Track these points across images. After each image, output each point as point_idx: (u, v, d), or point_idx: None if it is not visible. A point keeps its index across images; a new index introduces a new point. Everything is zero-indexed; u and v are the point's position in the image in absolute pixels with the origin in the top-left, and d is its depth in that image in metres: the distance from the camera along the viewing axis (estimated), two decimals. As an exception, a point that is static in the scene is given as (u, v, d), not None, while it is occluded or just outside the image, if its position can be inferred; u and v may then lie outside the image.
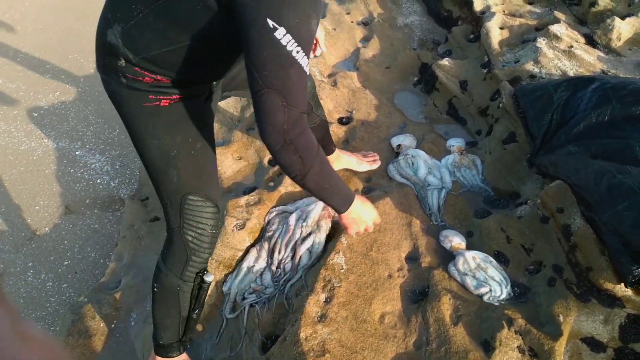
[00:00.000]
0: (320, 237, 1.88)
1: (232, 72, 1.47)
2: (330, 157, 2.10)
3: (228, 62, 1.28)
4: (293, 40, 1.00)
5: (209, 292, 1.62)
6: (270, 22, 0.97)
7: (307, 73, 1.08)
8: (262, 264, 1.87)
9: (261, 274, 1.85)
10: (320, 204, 1.95)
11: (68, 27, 3.64)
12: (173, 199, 1.32)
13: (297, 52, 1.02)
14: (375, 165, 2.23)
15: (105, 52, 1.20)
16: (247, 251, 1.93)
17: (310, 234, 1.89)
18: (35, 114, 2.92)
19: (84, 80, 3.17)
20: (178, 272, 1.38)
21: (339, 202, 1.38)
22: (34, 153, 2.70)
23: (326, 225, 1.92)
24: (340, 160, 2.14)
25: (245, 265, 1.87)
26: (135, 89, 1.22)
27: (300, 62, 1.04)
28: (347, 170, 2.21)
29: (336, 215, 1.56)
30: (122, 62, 1.18)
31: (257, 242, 1.96)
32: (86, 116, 2.92)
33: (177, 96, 1.25)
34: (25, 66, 3.25)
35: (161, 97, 1.23)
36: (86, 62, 3.32)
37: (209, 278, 1.43)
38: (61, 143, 2.76)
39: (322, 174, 1.25)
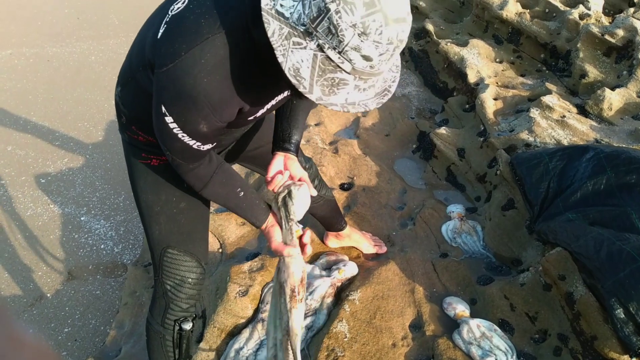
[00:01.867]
0: (321, 317, 1.86)
1: (243, 145, 1.60)
2: (342, 233, 2.13)
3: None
4: (180, 130, 1.08)
5: (192, 344, 1.63)
6: (163, 109, 1.06)
7: (200, 149, 1.15)
8: (252, 345, 1.79)
9: (255, 355, 1.78)
10: (328, 280, 1.95)
11: (78, 96, 3.78)
12: (155, 250, 1.41)
13: (183, 136, 1.10)
14: (381, 252, 2.22)
15: (116, 111, 1.36)
16: (239, 331, 1.89)
17: (314, 311, 1.87)
18: (43, 180, 2.98)
19: (92, 148, 3.26)
20: (159, 320, 1.44)
21: (252, 216, 1.34)
22: (39, 219, 2.73)
23: (330, 304, 1.91)
24: (351, 238, 2.17)
25: (233, 348, 1.79)
26: (133, 146, 1.36)
27: (187, 142, 1.11)
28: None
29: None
30: (123, 120, 1.33)
31: (250, 322, 1.92)
32: (93, 182, 2.99)
33: (165, 157, 1.32)
34: (35, 134, 3.36)
35: (152, 156, 1.35)
36: (95, 130, 3.42)
37: (186, 325, 1.46)
38: (67, 209, 2.80)
39: (222, 188, 1.28)
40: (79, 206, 2.82)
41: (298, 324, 1.25)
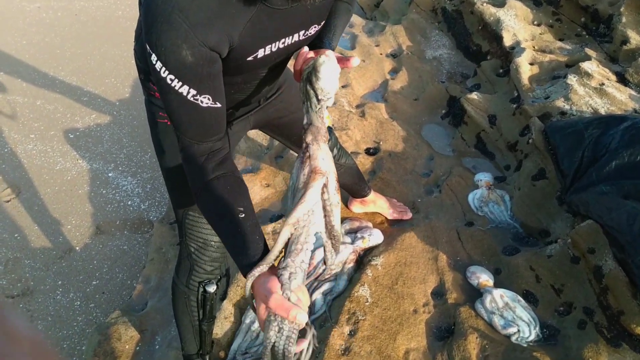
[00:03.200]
0: (341, 283, 1.86)
1: (268, 113, 1.53)
2: (367, 199, 2.12)
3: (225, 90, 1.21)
4: (165, 69, 0.94)
5: (216, 304, 1.63)
6: (147, 47, 0.94)
7: (198, 103, 1.01)
8: None
9: None
10: (350, 247, 1.94)
11: (105, 52, 3.78)
12: (178, 212, 1.40)
13: (171, 80, 0.96)
14: (406, 217, 2.20)
15: (136, 67, 1.33)
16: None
17: (334, 276, 1.87)
18: (72, 136, 3.02)
19: (119, 104, 3.27)
20: (184, 281, 1.45)
21: (240, 261, 1.03)
22: (68, 173, 2.78)
23: (351, 270, 1.91)
24: (376, 203, 2.16)
25: (248, 320, 1.80)
26: (152, 104, 1.32)
27: (180, 91, 0.97)
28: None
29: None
30: (141, 76, 1.30)
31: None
32: (120, 139, 3.01)
33: None
34: (63, 89, 3.38)
35: None
36: (122, 87, 3.43)
37: (210, 288, 1.46)
38: (95, 164, 2.84)
39: (209, 208, 1.09)
40: (107, 162, 2.86)
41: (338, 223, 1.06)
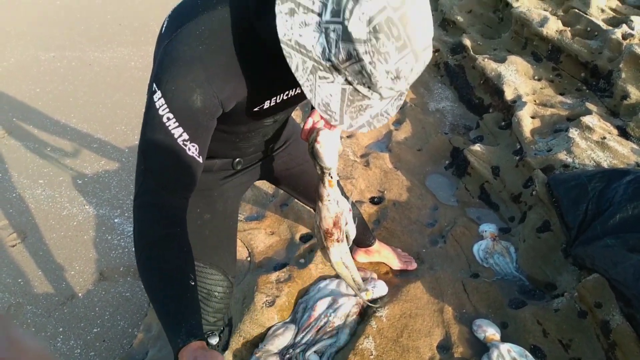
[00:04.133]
0: (343, 336, 1.83)
1: (275, 164, 1.58)
2: (371, 249, 2.11)
3: (229, 142, 1.29)
4: (165, 106, 0.95)
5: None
6: (154, 85, 0.96)
7: (185, 149, 0.99)
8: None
9: None
10: (353, 300, 1.93)
11: (116, 100, 3.88)
12: None
13: (168, 119, 0.95)
14: (411, 268, 2.19)
15: None
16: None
17: (336, 330, 1.85)
18: (80, 181, 3.06)
19: (128, 151, 3.33)
20: None
21: (172, 332, 0.96)
22: (74, 219, 2.80)
23: (353, 323, 1.89)
24: (381, 253, 2.15)
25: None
26: None
27: (172, 132, 0.96)
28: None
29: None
30: None
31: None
32: (127, 185, 3.05)
33: None
34: (74, 136, 3.45)
35: None
36: (132, 134, 3.50)
37: (213, 340, 1.40)
38: (101, 210, 2.86)
39: (149, 275, 1.02)
40: (113, 208, 2.88)
41: (337, 257, 1.35)
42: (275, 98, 1.14)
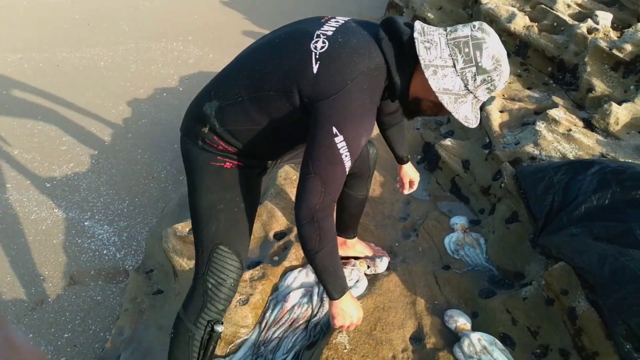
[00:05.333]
0: (315, 330, 1.85)
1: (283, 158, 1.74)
2: (349, 242, 2.14)
3: (288, 148, 1.57)
4: (346, 147, 1.29)
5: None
6: (335, 130, 1.27)
7: (347, 172, 1.36)
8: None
9: None
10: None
11: (86, 102, 3.81)
12: (206, 246, 1.48)
13: (346, 156, 1.31)
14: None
15: (195, 119, 1.48)
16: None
17: (311, 325, 1.86)
18: (48, 185, 3.00)
19: (98, 153, 3.28)
20: (192, 318, 1.49)
21: (335, 288, 1.51)
22: (43, 223, 2.74)
23: (326, 320, 1.89)
24: (355, 249, 2.17)
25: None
26: (208, 151, 1.47)
27: (345, 165, 1.33)
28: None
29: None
30: (206, 129, 1.44)
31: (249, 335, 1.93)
32: (97, 187, 3.00)
33: (239, 163, 1.49)
34: (42, 138, 3.38)
35: (227, 160, 1.48)
36: (101, 136, 3.44)
37: (218, 328, 1.50)
38: (71, 213, 2.81)
39: (331, 257, 1.44)
40: (83, 211, 2.84)
41: None
42: None
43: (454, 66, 1.30)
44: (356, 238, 2.16)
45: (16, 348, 0.40)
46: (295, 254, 2.16)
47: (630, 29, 3.25)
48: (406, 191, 2.10)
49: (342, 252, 2.17)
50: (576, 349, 1.67)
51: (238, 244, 1.51)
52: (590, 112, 2.88)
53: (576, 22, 3.36)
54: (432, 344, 1.80)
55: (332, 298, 1.52)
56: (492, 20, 3.57)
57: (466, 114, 1.35)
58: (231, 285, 1.49)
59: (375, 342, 1.79)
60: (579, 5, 3.73)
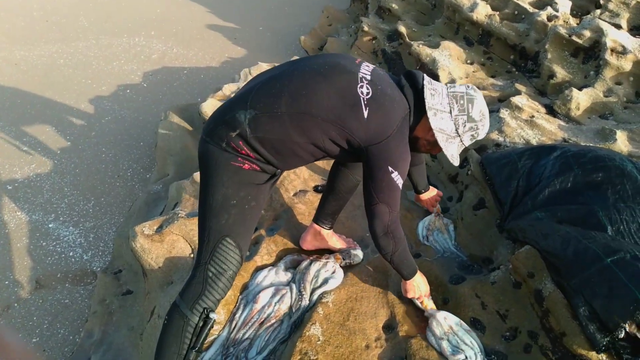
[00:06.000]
0: (285, 328, 1.85)
1: None
2: (323, 233, 2.14)
3: (306, 163, 1.72)
4: (399, 177, 1.61)
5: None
6: (390, 168, 1.58)
7: (400, 192, 1.68)
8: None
9: None
10: (295, 288, 1.96)
11: (46, 100, 3.70)
12: (213, 236, 1.58)
13: (399, 183, 1.62)
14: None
15: (224, 123, 1.57)
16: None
17: (278, 323, 1.86)
18: (10, 187, 2.90)
19: (60, 153, 3.19)
20: (189, 304, 1.56)
21: (410, 272, 1.83)
22: (6, 227, 2.66)
23: (299, 316, 1.90)
24: (331, 240, 2.17)
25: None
26: (230, 152, 1.57)
27: (400, 187, 1.64)
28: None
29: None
30: (234, 134, 1.54)
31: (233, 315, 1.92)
32: (61, 188, 2.92)
33: (256, 167, 1.61)
34: (1, 139, 3.27)
35: (246, 161, 1.59)
36: (63, 135, 3.35)
37: (213, 315, 1.57)
38: (34, 216, 2.73)
39: (405, 253, 1.77)
40: (47, 213, 2.76)
41: None
42: None
43: (450, 112, 1.63)
44: (331, 231, 2.16)
45: (9, 350, 0.40)
46: (267, 248, 2.15)
47: (589, 16, 3.33)
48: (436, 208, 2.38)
49: (316, 245, 2.17)
50: (544, 330, 1.72)
51: (242, 239, 1.63)
52: (552, 98, 2.94)
53: (536, 10, 3.43)
54: (404, 331, 1.82)
55: (406, 279, 1.86)
56: (455, 9, 3.61)
57: (452, 153, 1.68)
58: (230, 277, 1.60)
59: (348, 332, 1.80)
60: (539, -7, 3.79)
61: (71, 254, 2.53)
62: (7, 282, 2.38)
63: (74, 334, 2.16)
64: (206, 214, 1.61)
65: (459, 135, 1.65)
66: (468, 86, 1.67)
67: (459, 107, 1.64)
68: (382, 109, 1.56)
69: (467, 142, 1.69)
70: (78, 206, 2.81)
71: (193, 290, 1.58)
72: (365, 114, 1.53)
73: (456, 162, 1.69)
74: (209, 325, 1.58)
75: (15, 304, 2.28)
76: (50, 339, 2.15)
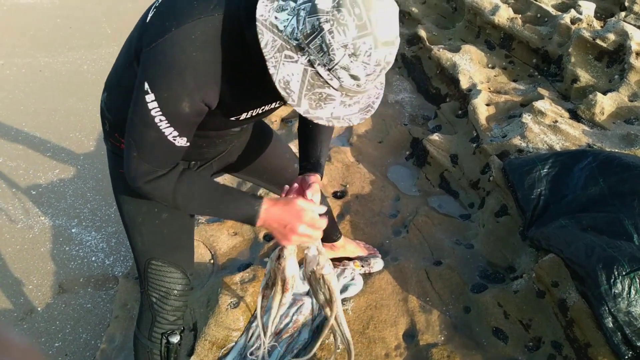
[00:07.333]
0: (307, 334, 1.83)
1: (232, 157, 1.58)
2: (337, 244, 2.09)
3: (196, 143, 1.27)
4: (158, 109, 1.02)
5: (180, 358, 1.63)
6: (146, 85, 1.02)
7: (174, 142, 1.09)
8: None
9: None
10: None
11: (70, 106, 3.77)
12: (139, 262, 1.41)
13: (160, 120, 1.04)
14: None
15: (101, 118, 1.36)
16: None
17: (297, 332, 1.84)
18: (34, 192, 2.96)
19: (83, 158, 3.24)
20: (146, 333, 1.45)
21: (240, 216, 1.23)
22: (30, 231, 2.71)
23: (317, 324, 1.87)
24: (346, 249, 2.13)
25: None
26: (116, 154, 1.34)
27: (163, 130, 1.05)
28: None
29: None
30: (107, 127, 1.33)
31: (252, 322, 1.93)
32: (84, 193, 2.97)
33: None
34: (26, 145, 3.34)
35: None
36: (86, 141, 3.41)
37: (173, 339, 1.47)
38: (58, 221, 2.78)
39: (191, 202, 1.21)
40: (70, 218, 2.80)
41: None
42: (252, 110, 1.21)
43: (296, 0, 0.93)
44: (343, 238, 2.12)
45: (5, 345, 0.39)
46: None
47: (613, 19, 3.26)
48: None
49: (335, 254, 2.15)
50: (568, 340, 1.68)
51: (171, 254, 1.41)
52: (575, 102, 2.89)
53: (559, 13, 3.37)
54: (425, 340, 1.80)
55: (252, 223, 1.21)
56: (476, 13, 3.57)
57: (289, 79, 0.94)
58: (178, 296, 1.43)
59: (368, 340, 1.79)
60: (561, -4, 3.74)
61: (93, 258, 2.57)
62: (30, 287, 2.42)
63: (96, 339, 2.18)
64: (127, 234, 1.42)
65: (302, 49, 0.92)
66: None
67: None
68: (171, 7, 1.04)
69: (324, 73, 0.93)
70: (100, 211, 2.85)
71: (145, 318, 1.45)
72: (150, 15, 1.07)
73: (293, 100, 0.95)
74: (173, 349, 1.48)
75: (39, 308, 2.32)
76: (72, 343, 2.18)
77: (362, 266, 2.09)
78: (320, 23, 0.87)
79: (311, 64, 0.93)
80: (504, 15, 3.43)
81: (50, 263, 2.54)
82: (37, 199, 2.92)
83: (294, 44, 0.92)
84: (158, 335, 1.44)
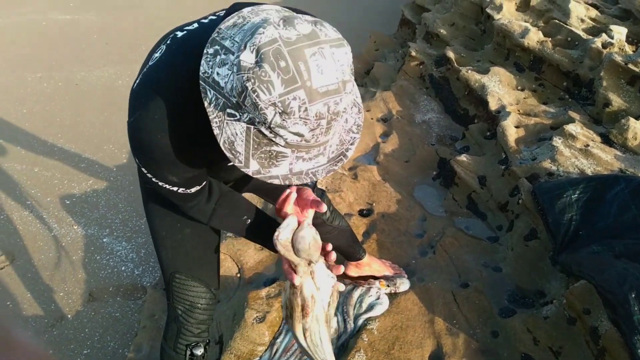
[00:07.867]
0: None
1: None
2: (362, 262, 2.09)
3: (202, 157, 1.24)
4: (154, 179, 1.11)
5: None
6: (136, 159, 1.12)
7: (186, 192, 1.15)
8: None
9: None
10: (339, 316, 1.92)
11: (104, 120, 3.88)
12: (165, 274, 1.44)
13: (163, 184, 1.11)
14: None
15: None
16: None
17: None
18: (68, 202, 3.04)
19: (116, 170, 3.32)
20: (172, 344, 1.47)
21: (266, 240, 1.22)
22: (63, 239, 2.78)
23: (343, 341, 1.86)
24: (371, 267, 2.13)
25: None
26: (140, 169, 1.35)
27: (170, 189, 1.13)
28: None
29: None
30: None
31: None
32: (116, 204, 3.04)
33: None
34: (61, 156, 3.44)
35: None
36: (119, 153, 3.49)
37: (197, 351, 1.47)
38: (90, 230, 2.85)
39: (225, 228, 1.34)
40: (102, 228, 2.87)
41: (300, 333, 1.25)
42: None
43: (234, 53, 0.86)
44: (368, 256, 2.11)
45: (11, 345, 0.40)
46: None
47: (646, 43, 3.23)
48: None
49: (360, 273, 2.16)
50: (599, 369, 1.65)
51: (195, 269, 1.43)
52: (607, 127, 2.85)
53: (590, 37, 3.35)
54: (451, 363, 1.78)
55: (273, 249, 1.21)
56: (505, 35, 3.57)
57: (233, 139, 0.88)
58: (203, 309, 1.44)
59: (393, 361, 1.78)
60: (592, 19, 3.72)
61: (123, 268, 2.62)
62: (61, 294, 2.48)
63: (123, 348, 2.22)
64: (154, 246, 1.45)
65: (241, 107, 0.85)
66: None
67: (242, 43, 0.84)
68: (149, 80, 1.06)
69: (265, 131, 0.85)
70: (131, 222, 2.92)
71: (171, 329, 1.47)
72: (136, 82, 1.08)
73: (240, 161, 0.89)
74: None
75: (69, 315, 2.37)
76: (100, 351, 2.22)
77: (388, 285, 2.09)
78: (243, 82, 0.80)
79: (252, 122, 0.86)
80: (534, 38, 3.43)
81: (81, 271, 2.60)
82: (71, 208, 3.00)
83: (234, 102, 0.85)
84: (183, 347, 1.46)
